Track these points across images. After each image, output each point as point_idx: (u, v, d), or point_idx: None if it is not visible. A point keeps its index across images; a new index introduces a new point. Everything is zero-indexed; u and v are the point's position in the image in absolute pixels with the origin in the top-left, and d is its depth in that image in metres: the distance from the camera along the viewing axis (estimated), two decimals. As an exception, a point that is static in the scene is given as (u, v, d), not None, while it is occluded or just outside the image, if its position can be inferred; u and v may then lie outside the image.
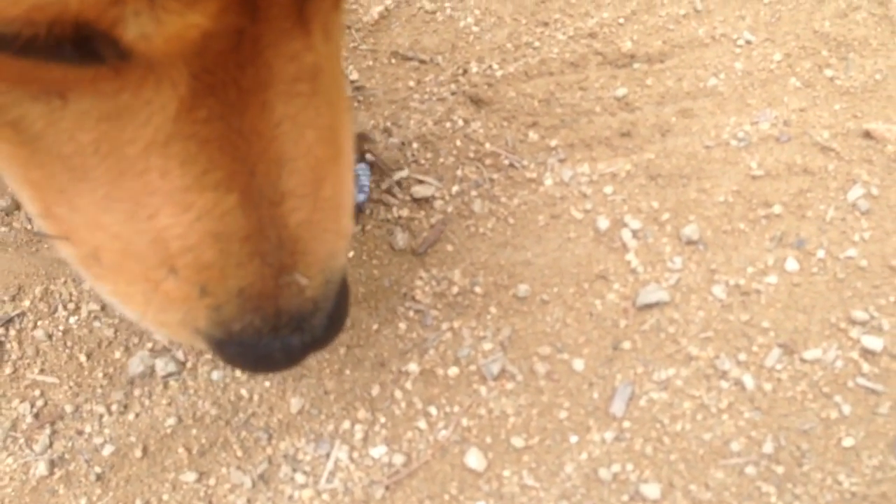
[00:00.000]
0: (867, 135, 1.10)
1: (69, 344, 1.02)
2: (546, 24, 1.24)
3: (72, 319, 1.03)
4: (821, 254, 1.03)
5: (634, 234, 1.06)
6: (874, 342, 0.97)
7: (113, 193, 0.52)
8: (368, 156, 1.12)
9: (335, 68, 0.55)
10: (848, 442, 0.92)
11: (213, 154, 0.50)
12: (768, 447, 0.93)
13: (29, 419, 0.97)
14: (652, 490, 0.91)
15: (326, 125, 0.54)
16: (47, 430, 0.97)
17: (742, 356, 0.97)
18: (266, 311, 0.57)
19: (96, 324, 1.03)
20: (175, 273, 0.55)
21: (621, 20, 1.24)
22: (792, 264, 1.02)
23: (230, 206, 0.52)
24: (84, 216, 0.55)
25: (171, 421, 0.97)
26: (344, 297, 0.63)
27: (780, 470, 0.92)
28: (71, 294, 1.05)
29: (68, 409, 0.98)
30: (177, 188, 0.50)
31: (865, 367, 0.96)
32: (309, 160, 0.53)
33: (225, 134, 0.49)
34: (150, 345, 1.01)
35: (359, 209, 1.08)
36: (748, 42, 1.20)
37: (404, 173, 1.12)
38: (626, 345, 0.99)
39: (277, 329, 0.59)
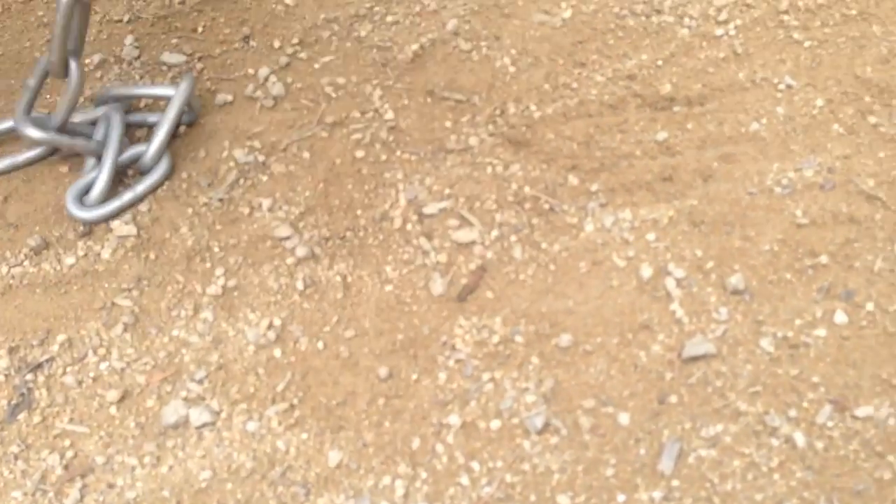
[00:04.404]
0: (914, 184, 1.08)
1: (99, 391, 0.99)
2: (583, 65, 1.23)
3: (102, 365, 1.01)
4: (870, 306, 1.01)
5: (678, 282, 1.04)
6: (928, 400, 0.94)
7: None
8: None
9: None
10: (904, 504, 0.90)
11: None
12: (822, 509, 0.90)
13: (59, 471, 0.94)
14: (703, 552, 0.89)
15: None
16: (78, 484, 0.93)
17: (792, 412, 0.95)
18: None
19: (127, 370, 1.00)
20: None
21: (660, 62, 1.22)
22: (841, 317, 1.00)
23: None
24: None
25: (206, 474, 0.94)
26: None
27: (834, 533, 0.89)
28: (101, 339, 1.02)
29: (99, 460, 0.95)
30: None
31: (919, 425, 0.94)
32: None
33: None
34: (184, 393, 0.98)
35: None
36: (789, 87, 1.19)
37: (444, 205, 1.09)
38: (673, 399, 0.97)
39: None
